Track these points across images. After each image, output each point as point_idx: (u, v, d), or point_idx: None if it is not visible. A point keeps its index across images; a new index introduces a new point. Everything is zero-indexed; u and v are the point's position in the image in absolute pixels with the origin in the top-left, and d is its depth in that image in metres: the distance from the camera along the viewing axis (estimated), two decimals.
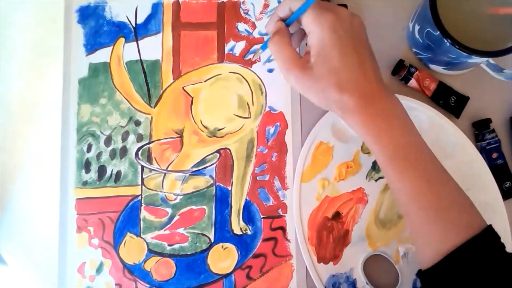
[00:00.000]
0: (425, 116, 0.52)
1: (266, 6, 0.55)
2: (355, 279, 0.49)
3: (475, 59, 0.46)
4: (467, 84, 0.53)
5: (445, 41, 0.45)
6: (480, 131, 0.52)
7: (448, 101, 0.53)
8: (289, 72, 0.38)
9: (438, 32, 0.45)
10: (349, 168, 0.51)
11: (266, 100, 0.54)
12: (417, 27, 0.50)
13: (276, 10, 0.41)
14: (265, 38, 0.44)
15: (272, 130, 0.53)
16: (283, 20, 0.40)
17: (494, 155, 0.52)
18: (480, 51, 0.44)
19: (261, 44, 0.52)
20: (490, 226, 0.38)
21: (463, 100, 0.53)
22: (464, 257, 0.36)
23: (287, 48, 0.38)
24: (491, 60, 0.48)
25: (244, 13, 0.55)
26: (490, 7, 0.47)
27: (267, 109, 0.53)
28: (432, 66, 0.53)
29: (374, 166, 0.51)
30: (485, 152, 0.51)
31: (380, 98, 0.38)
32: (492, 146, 0.52)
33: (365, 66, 0.38)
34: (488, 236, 0.37)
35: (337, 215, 0.51)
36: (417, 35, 0.51)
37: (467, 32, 0.45)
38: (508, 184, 0.51)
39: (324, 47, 0.37)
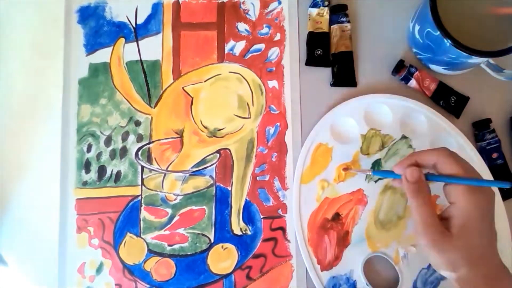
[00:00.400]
0: (424, 117, 0.52)
1: (266, 6, 0.55)
2: (355, 280, 0.49)
3: (475, 59, 0.46)
4: (467, 84, 0.53)
5: (445, 41, 0.45)
6: (480, 131, 0.52)
7: (448, 101, 0.52)
8: (425, 235, 0.38)
9: (438, 32, 0.45)
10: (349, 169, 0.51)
11: (266, 100, 0.54)
12: (417, 27, 0.50)
13: (417, 154, 0.41)
14: (394, 170, 0.42)
15: (272, 130, 0.53)
16: (418, 165, 0.40)
17: (494, 155, 0.52)
18: (480, 51, 0.44)
19: (373, 170, 0.47)
20: None
21: (463, 100, 0.53)
22: None
23: (429, 209, 0.39)
24: (491, 60, 0.48)
25: (244, 13, 0.55)
26: (490, 7, 0.47)
27: (267, 109, 0.53)
28: (432, 66, 0.53)
29: (373, 167, 0.51)
30: (485, 152, 0.51)
31: (503, 277, 0.39)
32: (492, 146, 0.51)
33: (493, 246, 0.39)
34: None
35: (336, 216, 0.51)
36: (417, 35, 0.50)
37: (467, 32, 0.45)
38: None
39: (470, 226, 0.37)
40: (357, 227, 0.50)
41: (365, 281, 0.49)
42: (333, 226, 0.50)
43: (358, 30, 0.55)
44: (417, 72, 0.52)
